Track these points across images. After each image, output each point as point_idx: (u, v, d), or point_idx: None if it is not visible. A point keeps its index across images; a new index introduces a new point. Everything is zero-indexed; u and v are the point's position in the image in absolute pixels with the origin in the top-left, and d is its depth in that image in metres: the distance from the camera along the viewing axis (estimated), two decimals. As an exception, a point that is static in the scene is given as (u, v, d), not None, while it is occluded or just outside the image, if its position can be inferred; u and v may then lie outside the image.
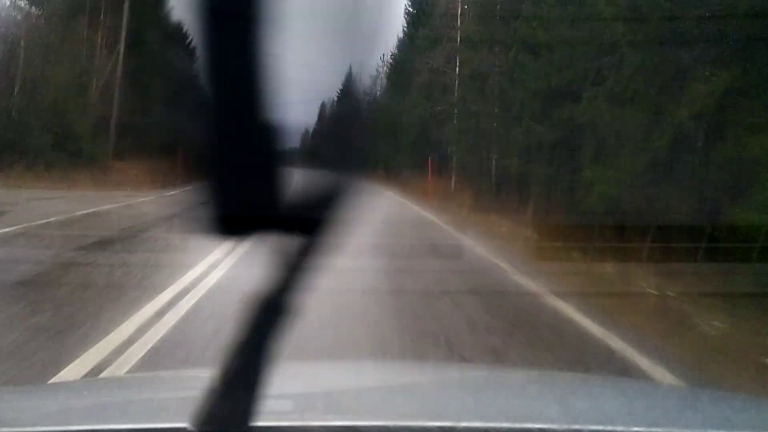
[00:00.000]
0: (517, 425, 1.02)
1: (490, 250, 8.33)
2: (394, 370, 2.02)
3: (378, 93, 38.41)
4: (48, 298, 4.76)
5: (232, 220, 0.73)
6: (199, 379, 1.81)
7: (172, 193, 12.37)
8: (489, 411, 1.22)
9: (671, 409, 1.32)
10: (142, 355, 3.51)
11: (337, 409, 1.22)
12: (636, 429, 1.03)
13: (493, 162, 17.18)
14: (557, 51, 12.33)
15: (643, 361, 3.84)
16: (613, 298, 5.81)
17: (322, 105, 58.98)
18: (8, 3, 22.06)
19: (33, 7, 23.32)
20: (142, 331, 3.96)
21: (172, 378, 1.98)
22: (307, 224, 0.76)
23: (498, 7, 17.51)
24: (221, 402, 0.76)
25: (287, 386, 1.56)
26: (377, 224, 9.31)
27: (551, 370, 3.37)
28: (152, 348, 3.63)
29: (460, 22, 21.48)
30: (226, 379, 0.76)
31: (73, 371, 3.19)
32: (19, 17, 22.30)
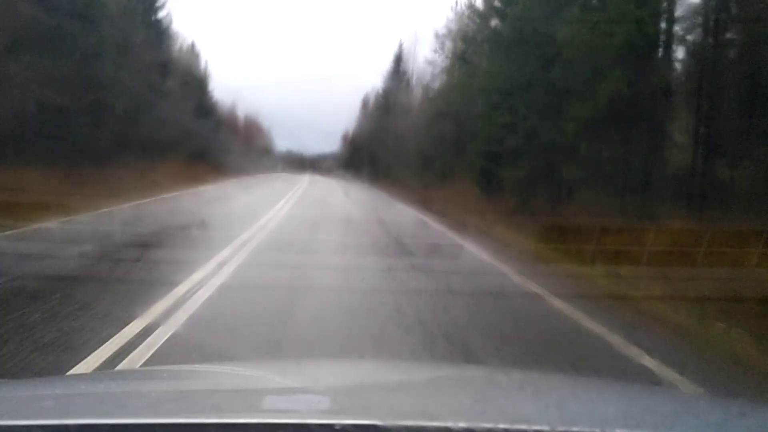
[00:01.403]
0: (514, 427, 1.04)
1: None
2: (391, 370, 2.04)
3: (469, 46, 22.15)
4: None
5: None
6: (195, 374, 1.83)
7: None
8: (485, 412, 1.24)
9: (669, 413, 1.34)
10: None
11: (334, 408, 1.24)
12: None
13: None
14: None
15: None
16: None
17: (365, 99, 48.86)
18: None
19: None
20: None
21: (170, 373, 2.01)
22: None
23: None
24: None
25: (287, 384, 1.58)
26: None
27: (549, 373, 3.38)
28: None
29: None
30: None
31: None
32: None
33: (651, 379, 3.87)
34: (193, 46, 34.79)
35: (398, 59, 36.63)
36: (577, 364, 4.15)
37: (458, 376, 1.97)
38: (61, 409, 1.19)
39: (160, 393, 1.44)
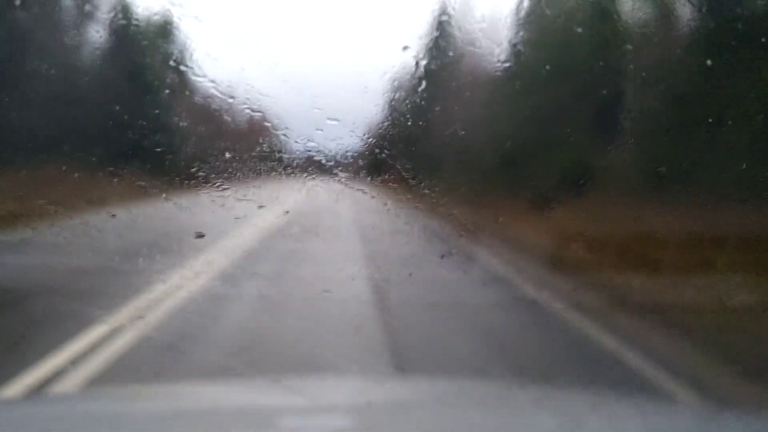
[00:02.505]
0: None
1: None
2: (400, 385, 2.03)
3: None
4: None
5: None
6: (192, 392, 1.82)
7: None
8: (501, 429, 1.22)
9: (691, 428, 1.32)
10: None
11: (349, 428, 1.23)
12: None
13: None
14: None
15: None
16: None
17: (393, 80, 49.07)
18: None
19: None
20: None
21: (159, 392, 2.00)
22: None
23: None
24: None
25: (293, 402, 1.57)
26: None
27: (566, 386, 3.35)
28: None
29: None
30: None
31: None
32: None
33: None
34: (168, 16, 29.67)
35: (441, 14, 29.29)
36: None
37: (471, 391, 1.95)
38: (48, 429, 1.19)
39: (156, 412, 1.43)
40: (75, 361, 3.66)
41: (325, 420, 1.31)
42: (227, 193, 8.50)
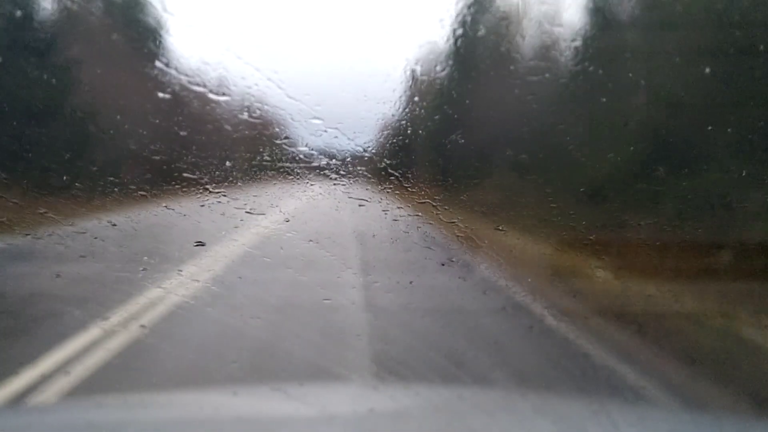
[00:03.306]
0: None
1: None
2: (401, 393, 2.03)
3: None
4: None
5: None
6: (191, 400, 1.82)
7: None
8: None
9: None
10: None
11: None
12: None
13: None
14: None
15: None
16: None
17: (411, 73, 43.94)
18: None
19: None
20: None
21: (159, 400, 2.01)
22: None
23: None
24: None
25: (294, 411, 1.57)
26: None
27: (566, 394, 3.35)
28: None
29: None
30: None
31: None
32: None
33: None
34: (164, 25, 27.82)
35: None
36: None
37: (472, 398, 1.95)
38: None
39: (156, 420, 1.44)
40: (72, 367, 3.68)
41: (327, 428, 1.31)
42: (228, 201, 8.32)
